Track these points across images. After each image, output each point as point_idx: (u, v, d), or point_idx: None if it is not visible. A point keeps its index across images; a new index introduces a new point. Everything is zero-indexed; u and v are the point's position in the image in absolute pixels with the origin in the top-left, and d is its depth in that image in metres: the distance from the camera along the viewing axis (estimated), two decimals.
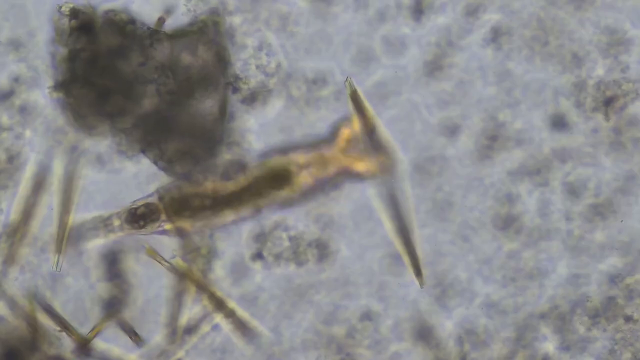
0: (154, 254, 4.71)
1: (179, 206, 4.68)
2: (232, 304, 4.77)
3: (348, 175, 4.73)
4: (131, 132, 4.62)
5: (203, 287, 4.74)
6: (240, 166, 4.65)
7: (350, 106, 4.76)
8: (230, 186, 4.68)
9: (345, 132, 4.71)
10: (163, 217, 4.68)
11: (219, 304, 4.75)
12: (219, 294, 4.76)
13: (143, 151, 4.65)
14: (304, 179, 4.69)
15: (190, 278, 4.73)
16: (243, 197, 4.67)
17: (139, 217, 4.68)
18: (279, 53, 4.77)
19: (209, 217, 4.68)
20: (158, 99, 4.59)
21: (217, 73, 4.64)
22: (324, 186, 4.72)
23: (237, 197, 4.67)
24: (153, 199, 4.70)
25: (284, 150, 4.73)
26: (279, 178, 4.68)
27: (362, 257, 4.79)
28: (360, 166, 4.73)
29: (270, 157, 4.72)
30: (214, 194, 4.67)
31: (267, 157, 4.72)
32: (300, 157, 4.71)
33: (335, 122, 4.76)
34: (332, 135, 4.74)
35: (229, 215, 4.69)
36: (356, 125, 4.70)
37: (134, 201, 4.71)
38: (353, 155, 4.71)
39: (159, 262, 4.72)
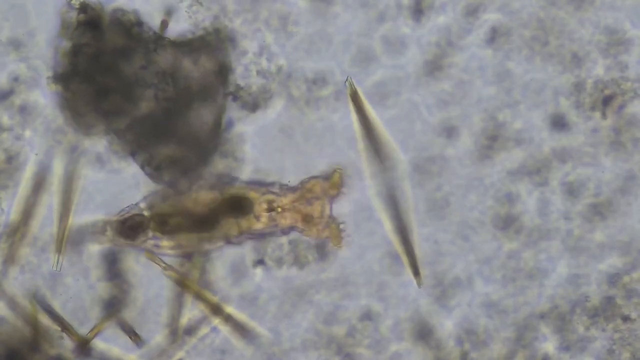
0: (152, 256, 4.71)
1: (162, 222, 4.68)
2: (228, 309, 4.76)
3: (298, 228, 4.74)
4: (124, 133, 4.62)
5: (199, 296, 4.74)
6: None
7: (350, 106, 4.77)
8: (204, 206, 4.68)
9: (315, 186, 4.73)
10: (151, 230, 4.68)
11: (216, 311, 4.75)
12: (214, 300, 4.75)
13: (133, 154, 4.64)
14: (264, 215, 4.70)
15: (187, 286, 4.73)
16: (210, 220, 4.67)
17: (128, 228, 4.68)
18: (279, 54, 4.76)
19: (189, 237, 4.68)
20: (155, 104, 4.59)
21: (217, 84, 4.64)
22: (276, 229, 4.73)
23: (206, 220, 4.67)
24: (141, 211, 4.69)
25: (253, 183, 4.74)
26: (236, 206, 4.68)
27: (362, 257, 4.79)
28: (310, 227, 4.75)
29: (243, 185, 4.73)
30: (185, 213, 4.67)
31: (234, 184, 4.72)
32: (265, 195, 4.72)
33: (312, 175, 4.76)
34: (306, 184, 4.75)
35: (205, 237, 4.69)
36: (328, 185, 4.73)
37: (122, 210, 4.70)
38: (314, 215, 4.73)
39: (158, 265, 4.72)
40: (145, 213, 4.68)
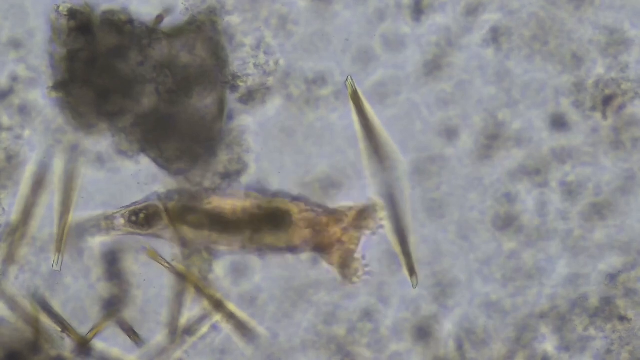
0: (155, 255, 4.71)
1: (180, 216, 4.68)
2: (231, 305, 4.77)
3: (323, 251, 4.74)
4: (131, 131, 4.62)
5: (202, 290, 4.74)
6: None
7: (350, 105, 4.77)
8: (229, 213, 4.68)
9: (353, 214, 4.73)
10: (164, 222, 4.68)
11: (219, 306, 4.75)
12: (218, 296, 4.76)
13: (143, 150, 4.65)
14: (301, 231, 4.70)
15: (190, 281, 4.73)
16: (239, 227, 4.67)
17: (142, 219, 4.68)
18: (278, 52, 4.76)
19: (205, 236, 4.68)
20: (157, 98, 4.59)
21: (215, 71, 4.64)
22: (309, 247, 4.73)
23: (233, 226, 4.67)
24: (156, 203, 4.70)
25: (295, 198, 4.73)
26: (277, 220, 4.68)
27: (362, 256, 4.79)
28: (333, 256, 4.74)
29: (278, 197, 4.72)
30: (212, 215, 4.67)
31: (275, 197, 4.72)
32: (306, 212, 4.71)
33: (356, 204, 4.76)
34: (343, 212, 4.74)
35: (222, 241, 4.69)
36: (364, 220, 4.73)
37: (137, 202, 4.71)
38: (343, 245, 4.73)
39: (160, 263, 4.72)
40: (160, 205, 4.69)
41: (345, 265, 4.71)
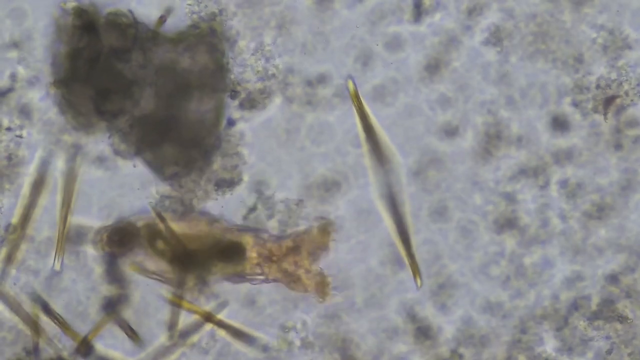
0: (139, 269, 4.68)
1: (152, 240, 4.66)
2: (221, 316, 4.76)
3: (290, 281, 4.73)
4: (128, 132, 4.62)
5: (192, 309, 4.74)
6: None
7: (351, 106, 4.77)
8: (195, 242, 4.67)
9: (307, 237, 4.72)
10: (138, 247, 4.66)
11: (209, 319, 4.75)
12: (204, 311, 4.75)
13: (138, 152, 4.65)
14: (253, 263, 4.70)
15: (180, 302, 4.73)
16: (195, 258, 4.66)
17: (118, 239, 4.65)
18: (278, 54, 4.76)
19: (168, 265, 4.68)
20: (156, 101, 4.59)
21: (216, 77, 4.64)
22: (258, 278, 4.73)
23: (190, 257, 4.66)
24: (134, 223, 4.67)
25: (253, 231, 4.73)
26: (229, 252, 4.67)
27: (362, 257, 4.79)
28: (304, 281, 4.74)
29: (237, 231, 4.72)
30: (176, 244, 4.66)
31: (234, 231, 4.71)
32: (260, 245, 4.71)
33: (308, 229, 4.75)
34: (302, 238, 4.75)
35: (179, 272, 4.68)
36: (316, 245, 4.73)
37: (119, 220, 4.69)
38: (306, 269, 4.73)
39: (147, 277, 4.71)
40: (140, 225, 4.67)
41: (317, 286, 4.72)
